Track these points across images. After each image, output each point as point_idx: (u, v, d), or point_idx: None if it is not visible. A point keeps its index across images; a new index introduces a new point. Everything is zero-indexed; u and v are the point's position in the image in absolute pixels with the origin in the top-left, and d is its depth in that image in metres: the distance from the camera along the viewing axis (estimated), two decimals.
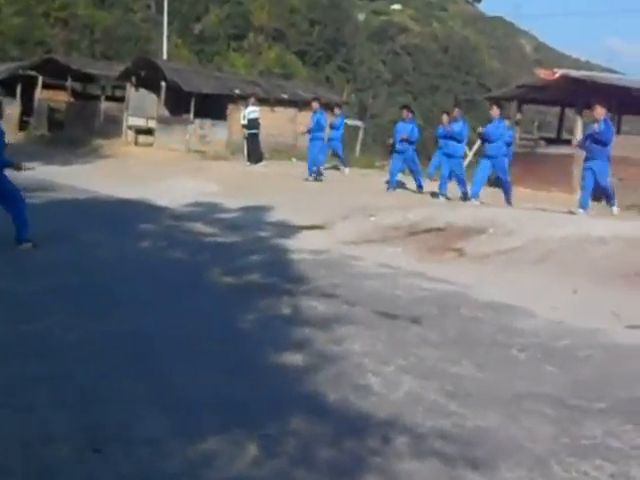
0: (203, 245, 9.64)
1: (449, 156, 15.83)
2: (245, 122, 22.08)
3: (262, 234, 10.75)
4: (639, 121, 20.43)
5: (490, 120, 14.96)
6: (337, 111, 21.27)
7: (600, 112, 13.12)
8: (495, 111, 15.00)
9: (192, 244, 9.59)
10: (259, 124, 22.17)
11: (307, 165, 18.90)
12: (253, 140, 22.16)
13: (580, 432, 3.95)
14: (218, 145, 25.94)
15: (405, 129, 17.21)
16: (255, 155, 22.11)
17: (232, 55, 56.61)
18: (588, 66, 78.40)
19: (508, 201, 14.64)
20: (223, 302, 6.57)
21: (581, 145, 13.97)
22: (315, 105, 19.59)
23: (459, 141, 15.92)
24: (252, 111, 22.08)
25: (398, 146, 17.22)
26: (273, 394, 4.33)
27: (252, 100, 22.59)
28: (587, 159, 13.31)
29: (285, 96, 27.65)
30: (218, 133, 26.85)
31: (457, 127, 15.70)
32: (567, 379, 4.82)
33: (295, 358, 4.94)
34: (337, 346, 5.26)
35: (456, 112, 16.15)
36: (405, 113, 17.85)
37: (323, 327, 5.71)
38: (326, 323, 5.83)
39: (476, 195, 14.59)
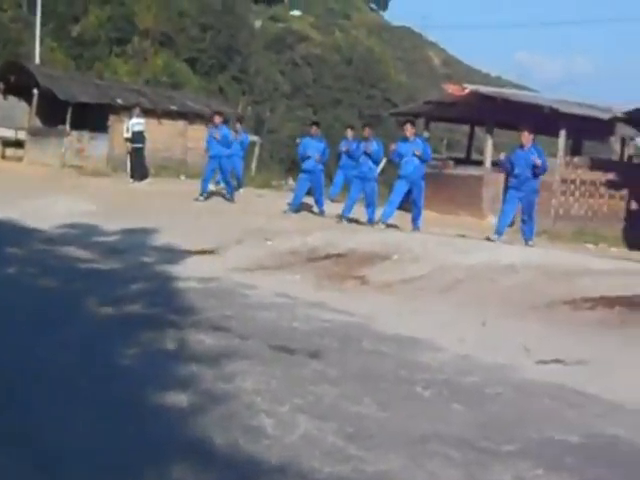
0: (78, 272, 9.42)
1: (362, 178, 15.94)
2: (129, 135, 21.83)
3: (145, 259, 10.60)
4: (551, 142, 21.11)
5: (404, 139, 15.18)
6: (238, 126, 21.25)
7: (528, 138, 13.59)
8: (410, 130, 15.23)
9: (66, 271, 9.36)
10: (144, 137, 21.96)
11: (201, 183, 18.79)
12: (137, 155, 21.92)
13: (488, 477, 4.01)
14: (98, 160, 25.55)
15: (317, 148, 17.33)
16: (139, 171, 21.88)
17: (114, 61, 55.74)
18: (499, 82, 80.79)
19: (416, 226, 14.91)
20: (100, 336, 6.42)
21: (503, 165, 14.39)
22: (218, 119, 19.53)
23: (375, 162, 16.10)
24: (137, 123, 21.85)
25: (306, 165, 17.32)
26: (153, 439, 4.25)
27: (137, 111, 22.39)
28: (517, 187, 13.67)
29: (173, 107, 27.54)
30: (98, 147, 26.42)
31: (374, 146, 15.86)
32: (474, 419, 4.90)
33: (179, 398, 4.86)
34: (227, 384, 5.21)
35: (368, 132, 16.28)
36: (314, 129, 17.95)
37: (212, 363, 5.65)
38: (215, 359, 5.77)
39: (387, 219, 14.81)
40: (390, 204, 15.07)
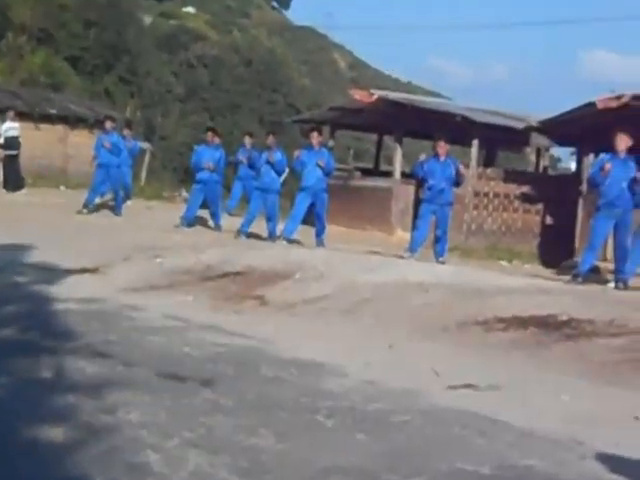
0: None
1: (264, 190, 15.95)
2: (1, 141, 21.41)
3: (19, 279, 10.34)
4: (464, 152, 21.53)
5: (309, 147, 15.26)
6: (127, 132, 21.01)
7: (444, 148, 13.86)
8: (317, 139, 15.33)
9: None
10: (19, 144, 21.55)
11: (87, 195, 18.54)
12: (11, 163, 21.52)
13: None
14: None
15: (213, 156, 17.26)
16: (14, 181, 21.47)
17: None
18: (410, 88, 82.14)
19: (320, 241, 15.00)
20: None
21: (415, 171, 14.61)
22: (109, 125, 19.31)
23: (278, 172, 16.12)
24: (10, 128, 21.47)
25: (200, 175, 17.24)
26: (26, 477, 4.15)
27: (11, 115, 22.01)
28: (430, 200, 13.87)
29: (53, 111, 27.12)
30: None
31: (278, 156, 15.89)
32: (380, 449, 4.93)
33: (55, 432, 4.75)
34: (109, 416, 5.12)
35: (271, 140, 16.30)
36: (210, 136, 17.87)
37: (92, 393, 5.54)
38: (96, 388, 5.67)
39: (290, 234, 14.86)
40: (292, 218, 15.13)
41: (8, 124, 21.57)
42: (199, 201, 17.45)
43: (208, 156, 17.28)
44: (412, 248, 13.78)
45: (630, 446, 5.26)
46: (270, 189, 15.91)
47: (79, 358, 6.49)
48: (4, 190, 21.20)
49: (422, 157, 15.12)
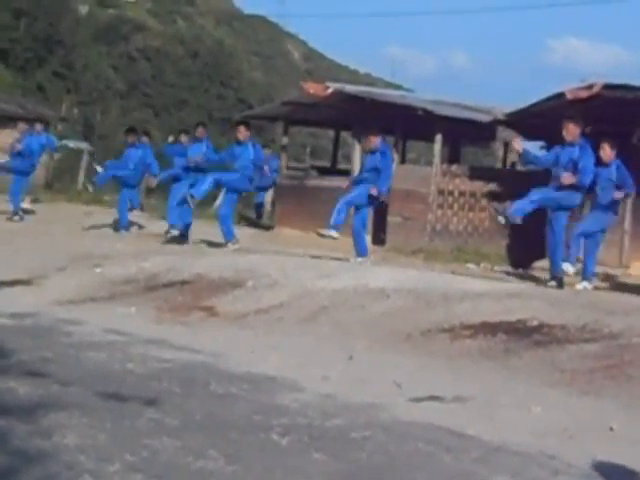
0: None
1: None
2: None
3: None
4: (427, 147, 21.65)
5: (238, 142, 15.34)
6: (39, 127, 20.61)
7: (374, 140, 13.88)
8: (243, 133, 15.37)
9: None
10: None
11: (11, 200, 18.45)
12: None
13: None
14: None
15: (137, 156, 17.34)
16: None
17: None
18: (369, 79, 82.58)
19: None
20: None
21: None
22: (22, 126, 19.25)
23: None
24: None
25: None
26: None
27: None
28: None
29: None
30: None
31: (203, 148, 16.04)
32: (339, 469, 4.93)
33: None
34: (44, 440, 5.06)
35: (200, 132, 16.45)
36: (131, 137, 17.95)
37: (25, 416, 5.49)
38: (30, 410, 5.62)
39: (232, 238, 14.83)
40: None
41: None
42: (126, 202, 17.48)
43: (134, 156, 17.38)
44: (362, 252, 13.72)
45: (606, 460, 5.32)
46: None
47: (10, 378, 6.41)
48: None
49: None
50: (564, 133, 12.11)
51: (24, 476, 4.51)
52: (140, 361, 7.36)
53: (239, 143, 15.24)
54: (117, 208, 17.65)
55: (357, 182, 14.12)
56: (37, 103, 33.11)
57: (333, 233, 13.60)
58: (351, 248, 13.73)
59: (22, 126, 19.38)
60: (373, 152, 13.91)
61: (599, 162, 12.08)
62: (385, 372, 7.24)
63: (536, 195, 12.23)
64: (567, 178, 11.86)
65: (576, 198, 12.16)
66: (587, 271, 12.05)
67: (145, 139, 18.76)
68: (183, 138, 19.14)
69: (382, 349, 8.11)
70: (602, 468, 5.14)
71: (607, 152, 12.22)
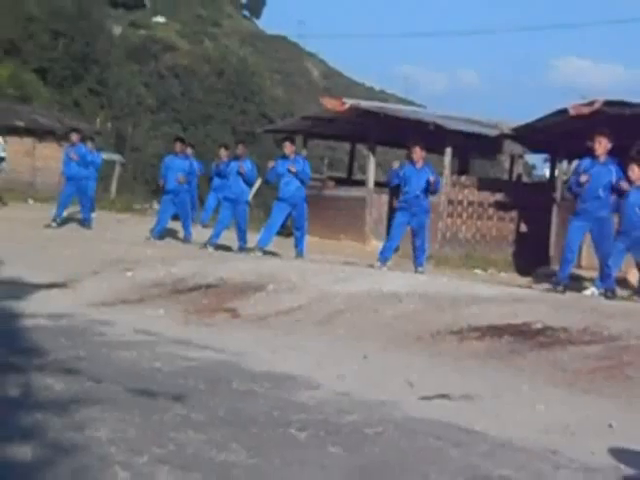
0: None
1: (233, 201, 15.95)
2: None
3: None
4: (437, 160, 21.58)
5: (284, 157, 15.24)
6: (90, 145, 20.81)
7: (420, 154, 13.75)
8: (290, 148, 15.33)
9: None
10: (3, 158, 21.25)
11: (56, 208, 18.51)
12: None
13: None
14: None
15: (181, 166, 17.24)
16: None
17: None
18: (383, 96, 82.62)
19: (300, 251, 15.00)
20: None
21: (390, 178, 14.55)
22: (75, 137, 19.25)
23: (248, 183, 16.11)
24: None
25: (168, 186, 17.20)
26: None
27: None
28: (406, 208, 13.77)
29: (20, 123, 27.02)
30: None
31: (248, 165, 15.90)
32: (354, 463, 4.91)
33: (22, 451, 4.70)
34: (77, 433, 5.07)
35: (242, 149, 16.39)
36: (178, 146, 17.85)
37: (60, 410, 5.49)
38: (64, 405, 5.62)
39: (265, 245, 14.83)
40: (268, 229, 15.10)
41: None
42: (169, 212, 17.40)
43: (176, 167, 17.23)
44: (383, 257, 13.70)
45: (605, 455, 5.29)
46: (239, 199, 15.90)
47: (47, 375, 6.43)
48: None
49: (395, 165, 15.07)
50: (596, 146, 11.95)
51: (59, 467, 4.52)
52: (168, 360, 7.35)
53: (285, 157, 15.17)
54: (158, 216, 17.65)
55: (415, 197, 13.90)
56: (73, 118, 33.18)
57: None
58: (363, 255, 13.75)
59: (76, 137, 19.31)
60: (412, 163, 13.82)
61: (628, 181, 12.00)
62: (397, 371, 7.22)
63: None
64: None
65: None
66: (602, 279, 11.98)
67: (190, 150, 18.71)
68: (222, 152, 19.16)
69: (394, 350, 8.09)
70: (601, 463, 5.13)
71: (636, 173, 12.07)
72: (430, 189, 13.75)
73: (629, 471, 5.06)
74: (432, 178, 13.58)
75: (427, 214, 14.00)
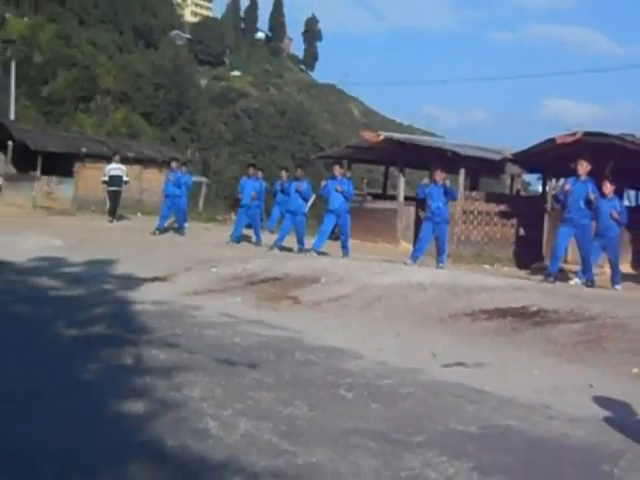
0: (47, 299, 9.21)
1: (293, 213, 16.03)
2: (106, 179, 21.25)
3: (106, 287, 10.43)
4: (453, 179, 21.44)
5: (333, 177, 15.27)
6: (183, 169, 20.95)
7: (440, 175, 13.78)
8: (339, 170, 15.39)
9: (36, 298, 9.15)
10: (122, 181, 21.33)
11: (158, 220, 18.72)
12: (114, 196, 21.40)
13: (400, 464, 4.03)
14: (64, 201, 25.21)
15: (253, 186, 17.43)
16: (115, 211, 21.42)
17: (80, 116, 55.36)
18: (410, 129, 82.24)
19: (346, 251, 15.00)
20: (66, 354, 6.29)
21: (419, 194, 14.50)
22: (174, 164, 19.48)
23: (304, 199, 16.17)
24: (114, 168, 21.25)
25: (243, 201, 17.41)
26: (113, 442, 4.17)
27: (117, 157, 21.74)
28: (431, 218, 13.74)
29: (131, 154, 27.32)
30: (65, 190, 26.15)
31: (305, 185, 15.98)
32: (390, 415, 4.92)
33: (136, 406, 4.78)
34: (177, 393, 5.14)
35: (300, 172, 16.43)
36: (251, 170, 18.05)
37: (164, 375, 5.57)
38: (167, 371, 5.69)
39: (319, 247, 14.85)
40: (320, 234, 15.15)
41: (113, 165, 21.29)
42: (244, 222, 17.53)
43: (250, 186, 17.43)
44: (415, 257, 13.67)
45: (586, 408, 5.26)
46: (298, 212, 15.97)
47: (153, 348, 6.52)
48: (110, 218, 21.06)
49: (425, 181, 14.99)
50: (578, 168, 11.95)
51: (164, 418, 4.59)
52: (244, 336, 7.38)
53: (334, 178, 15.21)
54: (235, 225, 17.75)
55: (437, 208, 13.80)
56: (170, 150, 33.46)
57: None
58: (395, 254, 13.70)
59: (175, 164, 19.56)
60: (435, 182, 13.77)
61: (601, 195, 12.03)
62: (423, 345, 7.20)
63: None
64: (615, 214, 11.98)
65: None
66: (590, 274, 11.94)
67: (260, 174, 18.82)
68: (284, 174, 19.21)
69: (421, 328, 8.06)
70: (584, 414, 5.09)
71: (608, 188, 12.12)
72: (449, 195, 13.77)
73: (606, 414, 5.03)
74: (447, 186, 13.70)
75: (446, 223, 13.99)
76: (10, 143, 26.28)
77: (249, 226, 17.93)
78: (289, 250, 16.10)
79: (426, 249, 13.98)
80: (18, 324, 7.56)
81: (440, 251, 13.86)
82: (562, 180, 14.15)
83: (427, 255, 14.34)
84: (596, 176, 12.27)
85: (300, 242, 15.82)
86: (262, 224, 18.92)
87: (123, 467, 3.79)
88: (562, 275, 13.00)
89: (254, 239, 17.79)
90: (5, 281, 10.61)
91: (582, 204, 11.89)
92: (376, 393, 5.44)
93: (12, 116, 35.58)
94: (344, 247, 15.13)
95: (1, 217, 21.05)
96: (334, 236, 16.31)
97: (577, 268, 12.65)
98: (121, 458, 3.92)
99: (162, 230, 18.52)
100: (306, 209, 16.64)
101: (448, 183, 14.03)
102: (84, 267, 12.33)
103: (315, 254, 14.59)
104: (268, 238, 17.59)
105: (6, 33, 50.13)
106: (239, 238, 17.27)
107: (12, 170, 26.74)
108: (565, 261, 14.16)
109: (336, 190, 14.84)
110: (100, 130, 49.97)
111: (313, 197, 18.21)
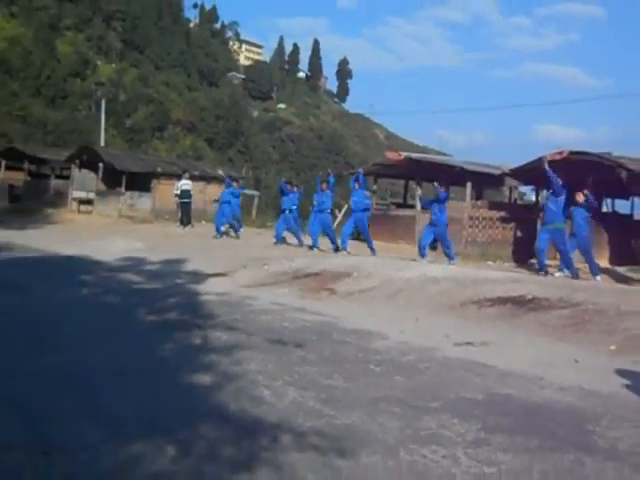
0: (132, 291, 9.36)
1: (320, 211, 16.08)
2: (178, 192, 21.62)
3: (178, 281, 10.56)
4: (461, 190, 21.28)
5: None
6: (235, 184, 20.99)
7: (438, 189, 13.65)
8: (355, 184, 15.42)
9: (123, 290, 9.31)
10: (191, 195, 21.69)
11: (215, 226, 18.82)
12: (185, 208, 21.74)
13: (420, 425, 4.05)
14: (144, 212, 25.55)
15: (292, 199, 17.41)
16: (187, 220, 21.71)
17: (156, 142, 56.22)
18: (425, 150, 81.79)
19: (372, 252, 14.98)
20: (147, 336, 6.39)
21: (422, 202, 14.42)
22: (235, 184, 19.71)
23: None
24: (184, 184, 21.65)
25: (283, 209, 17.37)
26: (186, 407, 4.24)
27: (187, 175, 22.31)
28: (432, 223, 13.70)
29: (196, 173, 27.56)
30: (144, 202, 26.52)
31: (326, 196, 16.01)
32: (411, 385, 4.93)
33: (204, 378, 4.86)
34: (237, 367, 5.20)
35: (324, 186, 16.42)
36: (289, 186, 18.02)
37: (226, 353, 5.64)
38: (229, 349, 5.76)
39: (346, 246, 14.86)
40: (342, 236, 15.28)
41: (183, 181, 21.65)
42: (284, 226, 17.39)
43: (289, 198, 17.38)
44: (421, 254, 13.56)
45: (572, 379, 5.21)
46: (324, 210, 15.97)
47: (217, 330, 6.59)
48: (181, 226, 21.31)
49: (419, 193, 14.88)
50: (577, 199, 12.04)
51: (227, 388, 4.65)
52: (291, 321, 7.43)
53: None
54: (275, 230, 17.74)
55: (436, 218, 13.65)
56: (228, 169, 33.68)
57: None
58: (414, 254, 13.65)
59: (228, 181, 19.81)
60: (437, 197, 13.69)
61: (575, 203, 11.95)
62: (438, 328, 7.18)
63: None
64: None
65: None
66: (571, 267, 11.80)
67: (297, 188, 18.83)
68: (324, 186, 19.13)
69: (436, 315, 8.04)
70: (570, 384, 5.04)
71: (580, 198, 12.04)
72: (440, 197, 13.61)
73: (589, 384, 4.98)
74: (440, 192, 13.54)
75: (445, 226, 13.76)
76: (101, 165, 26.78)
77: (288, 229, 17.91)
78: (324, 251, 16.11)
79: (426, 246, 13.79)
80: (108, 312, 7.70)
81: (445, 251, 13.76)
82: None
83: (440, 255, 14.26)
84: (579, 187, 12.18)
85: (332, 242, 15.79)
86: (302, 228, 18.85)
87: (195, 427, 3.86)
88: (550, 270, 12.84)
89: (296, 241, 17.80)
90: (98, 277, 10.80)
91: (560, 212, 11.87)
92: (399, 367, 5.45)
93: (102, 143, 36.29)
94: (370, 248, 15.13)
95: (94, 225, 21.45)
96: (355, 237, 16.33)
97: (557, 263, 12.57)
98: (193, 420, 3.99)
99: (221, 234, 18.60)
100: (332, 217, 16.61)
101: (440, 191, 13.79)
102: (160, 265, 12.50)
103: (346, 252, 14.57)
104: (307, 241, 17.60)
105: (97, 77, 51.49)
106: (280, 240, 17.25)
107: (102, 187, 27.24)
108: (553, 257, 13.97)
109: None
110: (172, 153, 50.76)
111: (345, 207, 18.10)
